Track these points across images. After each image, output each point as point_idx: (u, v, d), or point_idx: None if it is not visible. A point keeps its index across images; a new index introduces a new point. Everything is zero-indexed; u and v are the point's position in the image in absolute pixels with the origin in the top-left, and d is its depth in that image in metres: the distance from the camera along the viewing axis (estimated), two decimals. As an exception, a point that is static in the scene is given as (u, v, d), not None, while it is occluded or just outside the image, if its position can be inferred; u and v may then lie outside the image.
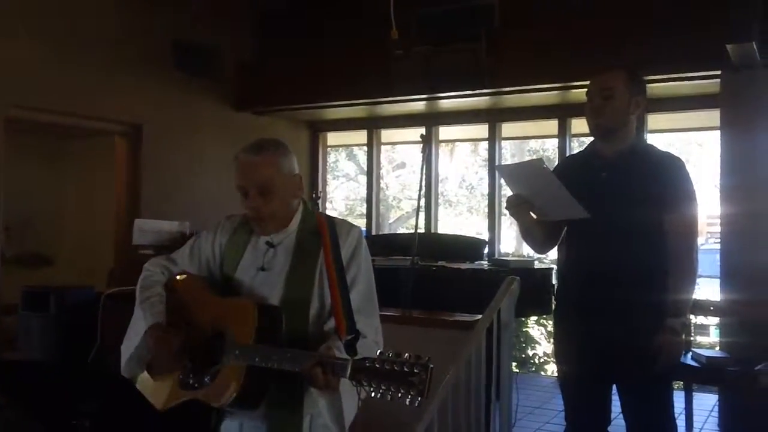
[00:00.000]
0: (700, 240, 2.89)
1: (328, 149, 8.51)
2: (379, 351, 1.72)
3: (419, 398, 1.62)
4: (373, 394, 1.69)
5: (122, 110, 6.06)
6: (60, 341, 4.02)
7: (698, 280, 2.78)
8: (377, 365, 1.67)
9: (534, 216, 2.82)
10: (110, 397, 3.63)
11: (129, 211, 6.12)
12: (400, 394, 1.63)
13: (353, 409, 2.00)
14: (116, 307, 4.07)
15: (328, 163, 8.65)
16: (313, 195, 6.57)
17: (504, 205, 2.96)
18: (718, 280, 5.18)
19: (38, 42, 5.40)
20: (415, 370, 1.63)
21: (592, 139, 2.89)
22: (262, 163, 2.04)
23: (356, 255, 2.10)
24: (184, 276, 2.19)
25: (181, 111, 6.55)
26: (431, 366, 1.63)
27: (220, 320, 2.00)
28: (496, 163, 7.09)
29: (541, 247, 2.99)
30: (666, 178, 2.69)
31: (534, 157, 13.40)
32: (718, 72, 5.11)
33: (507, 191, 7.70)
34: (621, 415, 2.82)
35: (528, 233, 2.89)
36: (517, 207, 2.77)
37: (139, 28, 6.11)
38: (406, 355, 1.67)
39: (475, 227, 12.48)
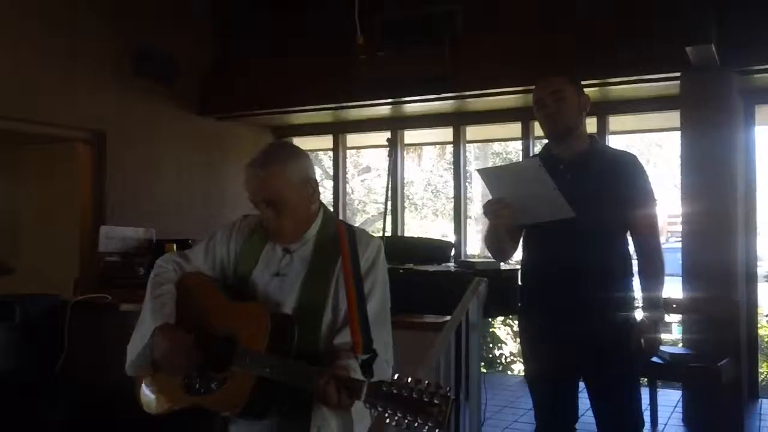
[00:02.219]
0: (661, 238, 2.95)
1: (294, 154, 8.47)
2: (396, 375, 1.65)
3: (437, 430, 1.55)
4: (387, 420, 1.62)
5: (84, 117, 5.98)
6: (26, 350, 3.95)
7: (665, 277, 2.84)
8: (395, 390, 1.61)
9: (510, 220, 2.81)
10: (78, 405, 3.58)
11: (93, 219, 6.04)
12: (417, 424, 1.56)
13: (364, 430, 1.96)
14: (83, 315, 4.02)
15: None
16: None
17: (478, 208, 2.98)
18: (679, 278, 5.27)
19: (-3, 47, 5.31)
20: (435, 401, 1.56)
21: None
22: (268, 178, 1.95)
23: (374, 267, 2.04)
24: (196, 275, 2.11)
25: (143, 117, 6.47)
26: (452, 397, 1.57)
27: (230, 324, 1.94)
28: (468, 166, 7.14)
29: (505, 254, 3.00)
30: (626, 177, 2.75)
31: (498, 160, 13.52)
32: (678, 74, 5.21)
33: (472, 194, 7.74)
34: (589, 411, 2.86)
35: (497, 239, 2.88)
36: (498, 210, 2.73)
37: (99, 33, 6.03)
38: (426, 382, 1.60)
39: (440, 230, 12.55)
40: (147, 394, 2.05)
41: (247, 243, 2.12)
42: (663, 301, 2.80)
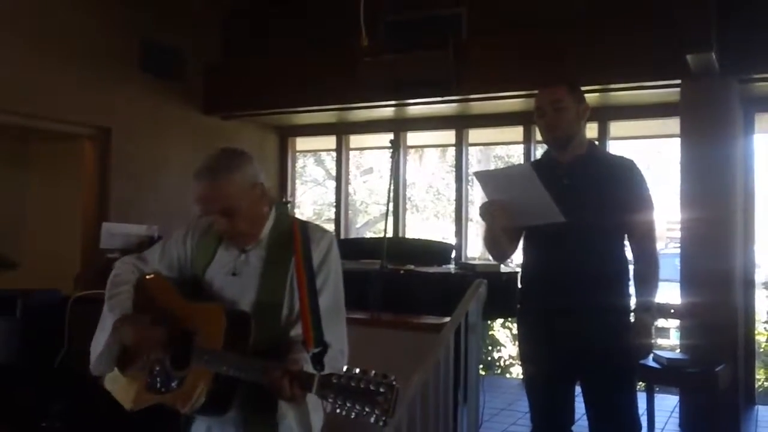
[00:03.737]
0: (660, 245, 2.99)
1: (297, 154, 8.52)
2: (345, 367, 1.71)
3: (384, 418, 1.62)
4: (338, 411, 1.68)
5: (90, 113, 6.01)
6: (27, 344, 3.99)
7: (659, 283, 2.87)
8: (343, 382, 1.67)
9: (505, 222, 2.87)
10: (80, 398, 3.61)
11: (96, 215, 6.07)
12: (365, 413, 1.63)
13: (320, 420, 2.03)
14: (84, 311, 4.04)
15: (296, 168, 8.66)
16: (282, 200, 6.58)
17: (473, 210, 3.02)
18: (677, 284, 5.29)
19: (2, 42, 5.33)
20: (381, 390, 1.63)
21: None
22: (216, 189, 1.97)
23: (327, 261, 2.08)
24: (154, 276, 2.15)
25: (149, 114, 6.51)
26: (398, 386, 1.64)
27: (188, 323, 1.98)
28: (464, 169, 7.16)
29: (503, 255, 3.06)
30: (626, 181, 2.79)
31: (500, 163, 13.54)
32: (678, 81, 5.24)
33: (475, 196, 7.77)
34: (585, 416, 2.89)
35: (494, 240, 2.94)
36: (493, 212, 2.81)
37: (106, 29, 6.06)
38: (373, 373, 1.67)
39: (441, 232, 12.56)
40: (113, 392, 2.09)
41: (202, 242, 2.15)
42: (656, 306, 2.84)
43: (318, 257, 2.07)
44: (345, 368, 1.71)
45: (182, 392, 1.92)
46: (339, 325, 2.07)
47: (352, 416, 1.65)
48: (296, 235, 2.06)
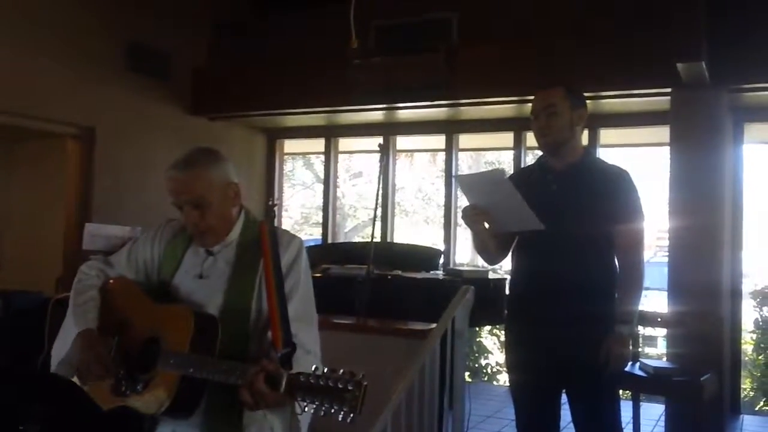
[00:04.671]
0: (648, 253, 2.97)
1: (285, 157, 8.48)
2: (314, 366, 1.71)
3: (351, 414, 1.62)
4: (306, 409, 1.69)
5: (75, 112, 5.95)
6: (8, 346, 3.93)
7: (647, 293, 2.86)
8: (312, 380, 1.68)
9: (488, 227, 2.86)
10: (60, 401, 3.56)
11: (79, 216, 5.99)
12: (333, 410, 1.64)
13: (305, 420, 1.99)
14: (64, 313, 3.99)
15: (284, 171, 8.62)
16: (270, 203, 6.54)
17: (460, 215, 3.01)
18: (665, 293, 5.29)
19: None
20: (349, 387, 1.63)
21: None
22: (191, 179, 2.02)
23: (295, 265, 2.08)
24: (120, 280, 2.15)
25: (134, 114, 6.45)
26: (365, 383, 1.64)
27: (155, 326, 1.98)
28: (454, 174, 7.16)
29: (493, 258, 3.04)
30: (615, 190, 2.77)
31: (490, 168, 13.55)
32: (669, 90, 5.24)
33: (463, 202, 7.77)
34: (570, 423, 2.87)
35: (481, 244, 2.93)
36: (473, 217, 2.81)
37: (93, 28, 6.01)
38: (341, 371, 1.67)
39: (430, 237, 12.55)
40: (89, 392, 2.08)
41: (169, 246, 2.16)
42: (637, 316, 2.82)
43: (287, 261, 2.07)
44: (314, 367, 1.71)
45: (149, 395, 1.92)
46: (310, 327, 2.07)
47: (321, 414, 1.66)
48: (264, 239, 2.06)
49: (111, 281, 2.14)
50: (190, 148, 2.11)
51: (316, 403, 1.66)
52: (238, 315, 2.02)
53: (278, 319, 1.94)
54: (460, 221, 7.25)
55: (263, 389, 1.74)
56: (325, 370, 1.68)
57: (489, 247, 2.92)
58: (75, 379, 2.09)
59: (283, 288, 2.01)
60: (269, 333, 1.98)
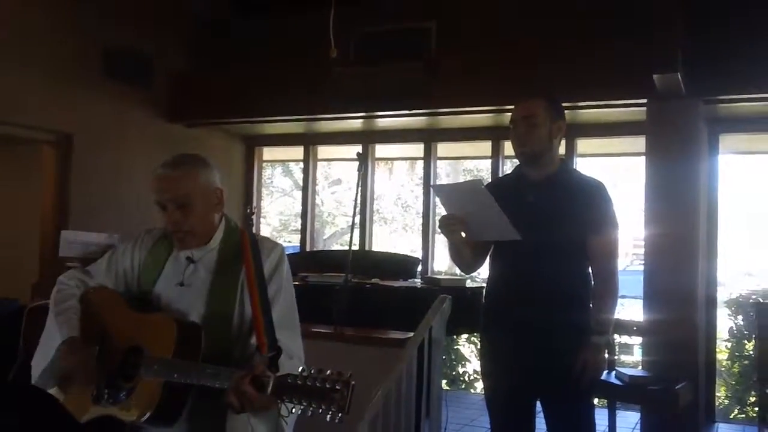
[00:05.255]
0: (625, 261, 3.00)
1: (264, 164, 8.45)
2: (301, 367, 1.71)
3: (340, 414, 1.63)
4: (293, 410, 1.70)
5: (51, 119, 5.88)
6: (-21, 355, 3.87)
7: (623, 301, 2.89)
8: (299, 381, 1.68)
9: (465, 236, 2.87)
10: (31, 411, 3.52)
11: (55, 223, 5.93)
12: (321, 410, 1.64)
13: (290, 424, 2.00)
14: (40, 321, 3.94)
15: (263, 178, 8.59)
16: (248, 210, 6.51)
17: (437, 224, 3.02)
18: (641, 301, 5.33)
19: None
20: (337, 387, 1.63)
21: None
22: (179, 178, 2.03)
23: (278, 272, 2.10)
24: (100, 289, 2.14)
25: (112, 121, 6.39)
26: (353, 382, 1.64)
27: (137, 336, 1.97)
28: (432, 182, 7.17)
29: (469, 267, 3.05)
30: (590, 202, 2.80)
31: (468, 177, 13.62)
32: (645, 100, 5.30)
33: (441, 210, 7.78)
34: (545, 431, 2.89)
35: (458, 253, 2.94)
36: (450, 226, 2.82)
37: (69, 33, 5.95)
38: (329, 371, 1.67)
39: (409, 245, 12.57)
40: (63, 403, 2.07)
41: (150, 254, 2.16)
42: (612, 325, 2.85)
43: (269, 268, 2.08)
44: (301, 368, 1.71)
45: (132, 403, 1.91)
46: (293, 332, 2.08)
47: (309, 414, 1.66)
48: (245, 247, 2.08)
49: (91, 291, 2.13)
50: (176, 154, 2.13)
51: (304, 403, 1.66)
52: (221, 322, 2.02)
53: (263, 326, 1.95)
54: (439, 229, 7.26)
55: (250, 391, 1.74)
56: (312, 370, 1.68)
57: (465, 255, 2.93)
58: (55, 390, 2.07)
59: (267, 294, 2.02)
60: (253, 338, 1.98)
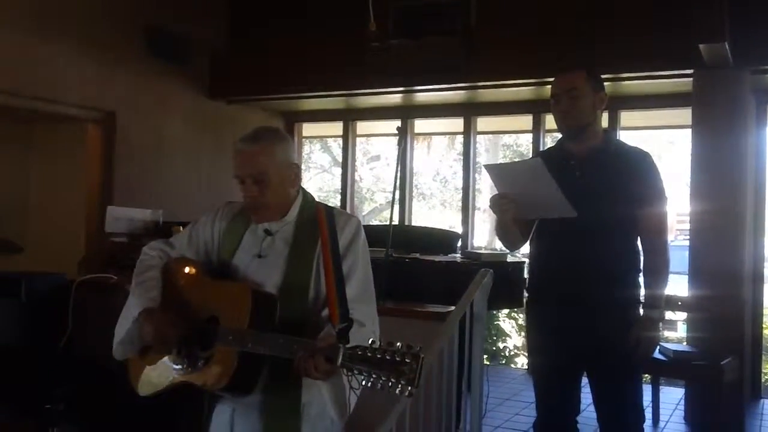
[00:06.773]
0: (670, 237, 2.95)
1: (303, 140, 8.48)
2: (371, 340, 1.71)
3: (409, 387, 1.61)
4: (363, 383, 1.69)
5: (94, 96, 5.97)
6: (31, 327, 3.99)
7: (669, 276, 2.84)
8: (368, 354, 1.67)
9: (516, 215, 2.83)
10: (84, 381, 3.62)
11: (100, 199, 6.04)
12: (390, 383, 1.63)
13: (353, 397, 2.01)
14: (87, 295, 4.05)
15: (302, 155, 8.62)
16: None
17: (485, 200, 2.99)
18: (686, 276, 5.26)
19: (6, 23, 5.29)
20: (406, 360, 1.62)
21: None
22: (257, 153, 2.06)
23: (353, 245, 2.11)
24: (181, 260, 2.18)
25: (154, 98, 6.47)
26: (422, 356, 1.63)
27: (214, 304, 2.01)
28: (477, 158, 7.12)
29: (514, 245, 3.03)
30: (638, 174, 2.75)
31: (508, 152, 13.51)
32: (691, 71, 5.18)
33: (482, 185, 7.72)
34: (590, 406, 2.87)
35: (506, 231, 2.91)
36: (503, 205, 2.78)
37: (111, 12, 6.01)
38: (398, 344, 1.66)
39: (448, 220, 12.54)
40: (136, 375, 2.12)
41: (230, 226, 2.19)
42: (664, 300, 2.80)
43: (344, 242, 2.10)
44: (371, 341, 1.71)
45: (208, 371, 1.94)
46: (369, 307, 2.11)
47: (378, 387, 1.65)
48: (321, 221, 2.10)
49: (173, 261, 2.18)
50: (258, 126, 2.17)
51: (373, 376, 1.65)
52: (296, 293, 2.04)
53: (336, 299, 1.97)
54: (479, 204, 7.23)
55: (320, 362, 1.75)
56: (381, 343, 1.68)
57: (512, 234, 2.90)
58: (131, 362, 2.12)
59: (341, 269, 2.04)
60: (326, 310, 2.00)
